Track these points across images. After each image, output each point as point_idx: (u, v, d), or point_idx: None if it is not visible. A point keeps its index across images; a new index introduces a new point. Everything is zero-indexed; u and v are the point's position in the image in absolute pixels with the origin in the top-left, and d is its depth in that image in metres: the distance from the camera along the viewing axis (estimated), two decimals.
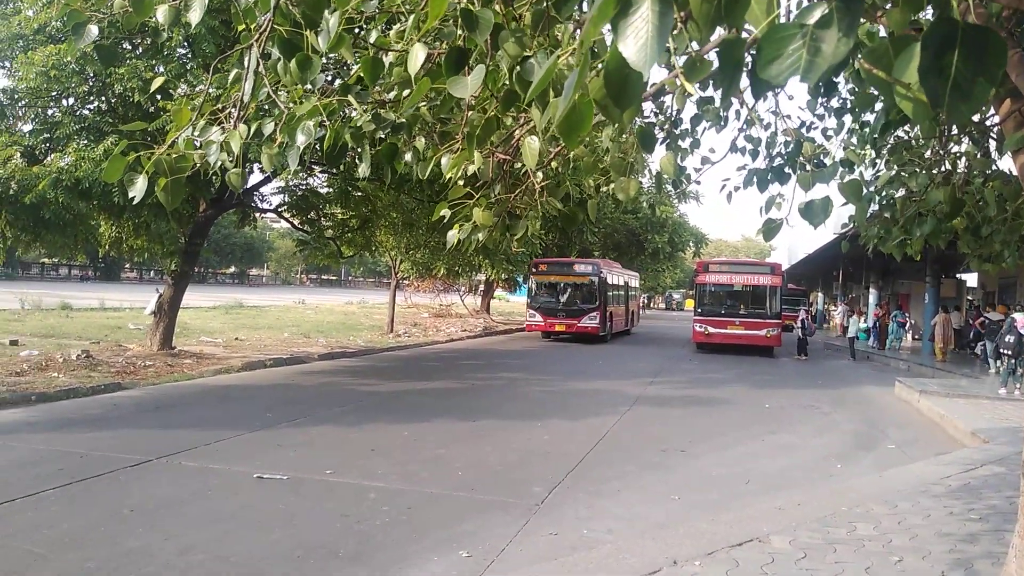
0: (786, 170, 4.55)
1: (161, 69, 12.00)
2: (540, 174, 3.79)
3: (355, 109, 3.25)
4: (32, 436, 8.17)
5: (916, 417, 12.70)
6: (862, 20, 3.96)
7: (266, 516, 5.89)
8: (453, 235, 3.88)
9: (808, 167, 3.98)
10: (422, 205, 16.53)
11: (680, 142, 5.29)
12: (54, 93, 12.36)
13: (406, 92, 3.54)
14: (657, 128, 5.24)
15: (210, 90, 3.57)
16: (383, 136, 3.53)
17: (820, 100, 5.63)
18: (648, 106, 5.60)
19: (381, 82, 3.57)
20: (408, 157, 3.36)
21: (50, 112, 12.89)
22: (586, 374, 16.94)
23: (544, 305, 26.88)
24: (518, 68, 2.46)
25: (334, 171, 15.56)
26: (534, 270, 27.26)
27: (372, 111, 3.39)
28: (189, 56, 12.58)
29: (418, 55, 2.41)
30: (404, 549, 5.26)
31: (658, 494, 7.03)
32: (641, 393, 13.91)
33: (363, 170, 3.29)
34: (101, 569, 4.68)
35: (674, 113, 5.22)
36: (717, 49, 1.37)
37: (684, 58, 1.70)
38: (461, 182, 3.58)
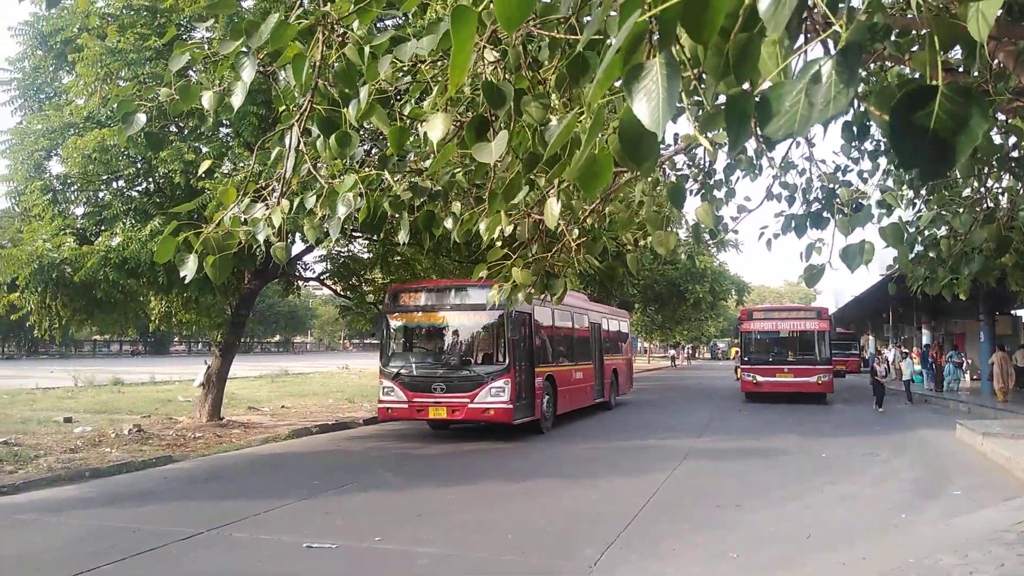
0: (824, 215, 4.52)
1: (204, 150, 12.47)
2: (576, 231, 3.83)
3: (392, 180, 3.34)
4: (86, 512, 8.28)
5: (981, 461, 12.18)
6: (889, 64, 3.98)
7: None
8: (491, 295, 3.92)
9: (846, 211, 3.95)
10: (461, 267, 16.73)
11: (715, 192, 5.31)
12: (104, 176, 12.90)
13: (436, 158, 3.65)
14: (691, 179, 5.27)
15: (254, 168, 3.70)
16: (421, 203, 3.62)
17: (853, 143, 5.61)
18: (681, 158, 5.65)
19: (417, 151, 3.68)
20: (448, 223, 3.43)
21: (100, 195, 13.45)
22: (629, 430, 16.67)
23: (409, 370, 14.45)
24: (541, 129, 2.53)
25: (374, 238, 15.87)
26: (391, 304, 14.89)
27: (409, 180, 3.48)
28: (231, 136, 13.07)
29: (438, 124, 2.48)
30: None
31: (715, 553, 6.81)
32: (691, 447, 13.61)
33: (402, 237, 3.37)
34: None
35: (707, 164, 5.25)
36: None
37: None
38: (499, 243, 3.64)
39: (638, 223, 3.85)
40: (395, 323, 15.06)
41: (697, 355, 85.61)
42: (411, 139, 3.35)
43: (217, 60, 2.91)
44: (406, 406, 14.07)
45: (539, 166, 2.56)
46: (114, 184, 13.48)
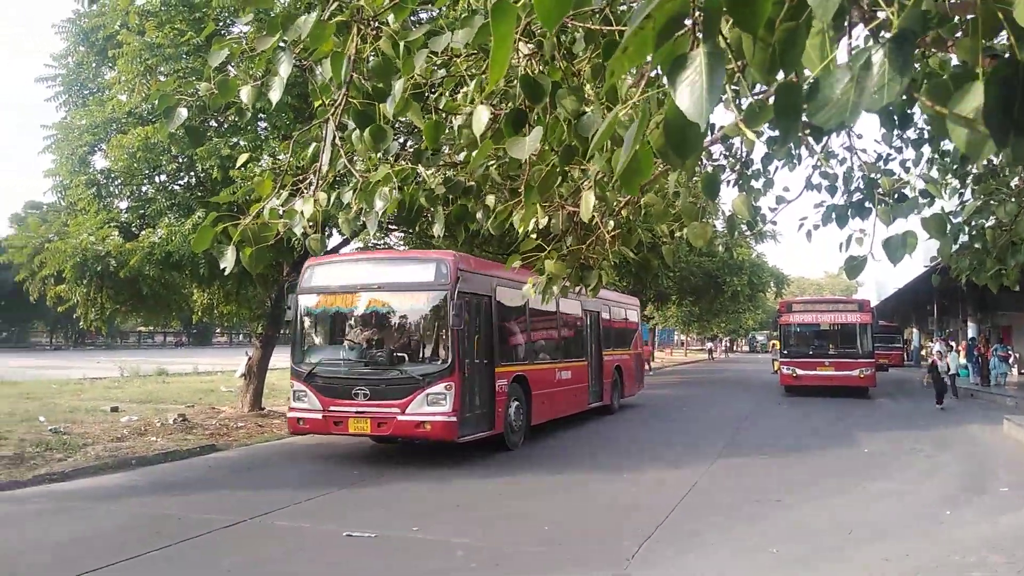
0: (866, 204, 4.43)
1: (240, 143, 12.66)
2: (611, 223, 3.81)
3: (426, 173, 3.35)
4: (132, 500, 8.49)
5: None
6: (933, 51, 3.87)
7: (356, 575, 5.92)
8: (527, 288, 3.92)
9: (888, 201, 3.86)
10: (495, 259, 16.75)
11: (753, 182, 5.23)
12: (147, 171, 13.18)
13: (475, 152, 3.65)
14: (728, 169, 5.19)
15: (290, 161, 3.75)
16: (455, 196, 3.62)
17: (896, 132, 5.48)
18: (717, 148, 5.57)
19: (451, 143, 3.68)
20: (480, 215, 3.44)
21: (143, 189, 13.74)
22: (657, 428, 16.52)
23: (324, 369, 11.09)
24: (575, 122, 2.51)
25: (409, 231, 15.97)
26: (306, 281, 11.53)
27: (443, 174, 3.49)
28: (267, 130, 13.24)
29: (481, 117, 2.48)
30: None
31: (754, 547, 6.75)
32: (729, 440, 13.48)
33: (437, 230, 3.38)
34: None
35: (744, 154, 5.17)
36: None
37: (747, 101, 1.70)
38: (533, 235, 3.63)
39: (674, 214, 3.81)
40: (309, 306, 11.29)
41: (735, 348, 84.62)
42: (445, 132, 3.35)
43: (255, 55, 2.94)
44: (320, 416, 10.37)
45: (575, 159, 2.55)
46: (157, 179, 13.77)
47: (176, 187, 14.02)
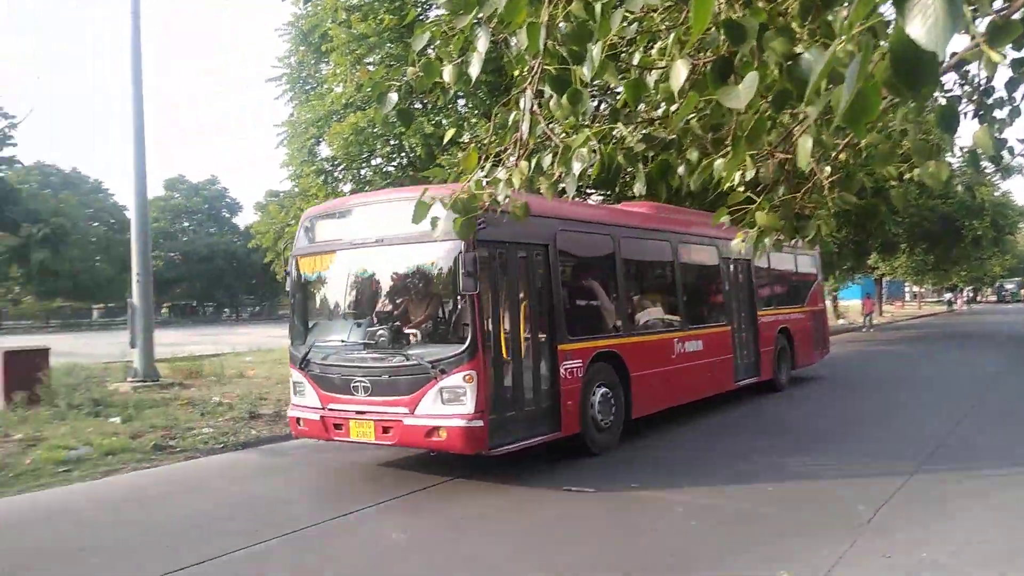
0: None
1: (443, 123, 13.27)
2: (828, 169, 3.53)
3: (626, 132, 3.31)
4: (379, 451, 9.27)
5: None
6: None
7: (578, 528, 6.09)
8: (736, 243, 3.76)
9: None
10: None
11: (996, 112, 4.60)
12: (363, 155, 14.25)
13: (673, 107, 3.54)
14: (964, 100, 4.61)
15: (492, 134, 3.86)
16: (655, 153, 3.54)
17: None
18: (950, 77, 4.96)
19: (647, 99, 3.60)
20: (682, 170, 3.34)
21: (362, 172, 14.89)
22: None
23: (319, 353, 8.20)
24: (788, 64, 2.34)
25: (608, 192, 15.91)
26: (303, 238, 8.70)
27: (642, 131, 3.43)
28: (467, 107, 13.76)
29: (680, 71, 2.39)
30: (719, 567, 5.12)
31: (1015, 514, 6.07)
32: (984, 392, 12.10)
33: (638, 189, 3.33)
34: (439, 569, 5.20)
35: (983, 82, 4.55)
36: None
37: (986, 21, 1.49)
38: (740, 188, 3.47)
39: (901, 154, 3.46)
40: (307, 271, 8.58)
41: (979, 299, 75.85)
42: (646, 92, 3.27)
43: (453, 35, 3.05)
44: (317, 417, 7.93)
45: (791, 103, 2.38)
46: (372, 162, 14.85)
47: (390, 168, 15.03)
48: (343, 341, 8.12)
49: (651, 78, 3.11)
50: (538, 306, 8.01)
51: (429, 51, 3.32)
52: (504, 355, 7.45)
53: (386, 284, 8.25)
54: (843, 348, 22.49)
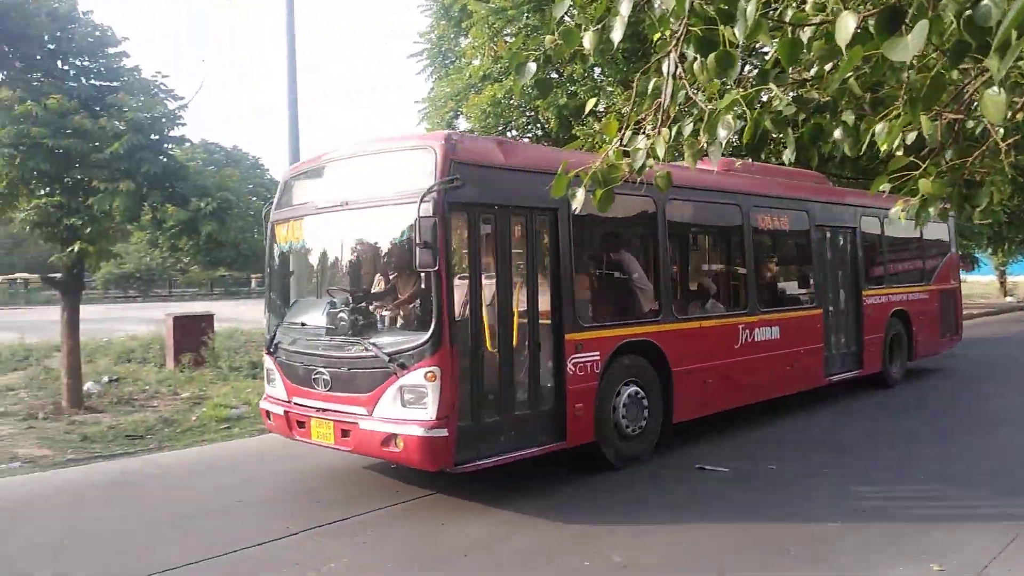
0: None
1: (579, 93, 13.15)
2: (1000, 130, 3.21)
3: (775, 95, 3.14)
4: None
5: None
6: None
7: (711, 506, 5.97)
8: (896, 212, 3.51)
9: None
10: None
11: None
12: (499, 127, 14.40)
13: (828, 67, 3.32)
14: None
15: (633, 101, 3.78)
16: (805, 117, 3.35)
17: None
18: None
19: (800, 59, 3.40)
20: (837, 134, 3.13)
21: None
22: None
23: (284, 342, 6.89)
24: (968, 13, 2.12)
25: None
26: (280, 200, 7.26)
27: (792, 93, 3.25)
28: (603, 76, 13.57)
29: (847, 23, 2.22)
30: (864, 555, 4.88)
31: None
32: None
33: (788, 155, 3.16)
34: (543, 552, 5.25)
35: None
36: None
37: None
38: (900, 152, 3.22)
39: None
40: (279, 238, 7.24)
41: None
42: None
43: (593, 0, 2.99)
44: (282, 412, 6.73)
45: (971, 56, 2.17)
46: (508, 134, 14.97)
47: (526, 139, 15.11)
48: (303, 324, 6.88)
49: (805, 34, 2.92)
50: (539, 285, 6.42)
51: (567, 19, 3.29)
52: (489, 346, 5.96)
53: (351, 257, 7.07)
54: (1003, 328, 20.58)
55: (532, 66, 3.35)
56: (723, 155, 3.50)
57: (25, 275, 43.87)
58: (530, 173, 6.21)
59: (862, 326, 10.48)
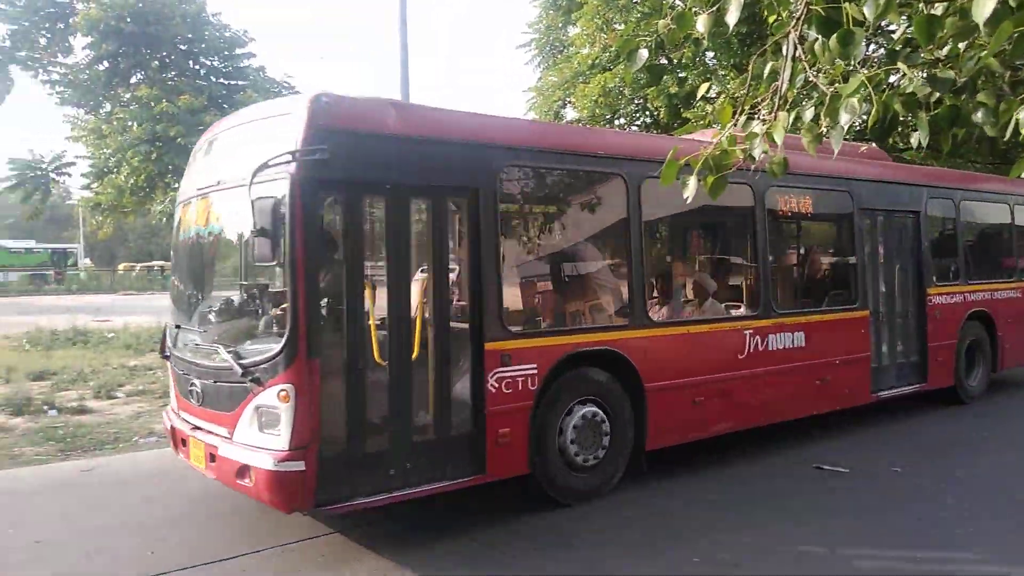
0: None
1: (689, 79, 12.83)
2: None
3: (905, 76, 2.96)
4: None
5: None
6: None
7: (829, 506, 5.73)
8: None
9: None
10: (986, 169, 14.29)
11: None
12: (607, 116, 14.29)
13: (962, 45, 3.10)
14: None
15: (749, 85, 3.66)
16: (937, 99, 3.14)
17: None
18: None
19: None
20: (979, 115, 2.91)
21: None
22: None
23: (179, 347, 5.69)
24: None
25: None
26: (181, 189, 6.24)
27: (924, 73, 3.05)
28: (715, 61, 13.21)
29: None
30: (990, 568, 4.58)
31: None
32: None
33: (919, 139, 2.97)
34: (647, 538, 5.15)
35: None
36: None
37: None
38: None
39: None
40: (176, 224, 6.25)
41: None
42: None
43: None
44: (170, 426, 5.72)
45: None
46: (616, 123, 14.83)
47: (635, 127, 14.93)
48: (180, 325, 5.85)
49: (938, 9, 2.74)
50: (452, 284, 5.38)
51: (679, 2, 3.21)
52: (377, 359, 4.78)
53: (222, 246, 6.00)
54: None
55: (644, 52, 3.30)
56: (846, 140, 3.32)
57: (161, 263, 47.04)
58: (441, 144, 5.10)
59: (924, 330, 8.55)
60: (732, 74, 12.02)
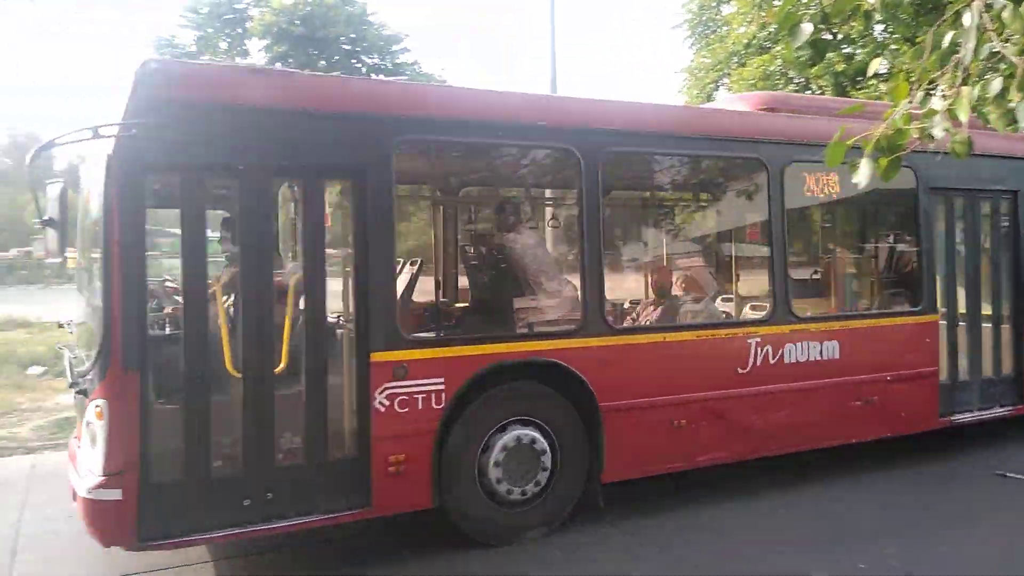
0: None
1: (856, 55, 12.09)
2: None
3: None
4: None
5: None
6: None
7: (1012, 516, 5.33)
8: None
9: None
10: None
11: None
12: None
13: None
14: None
15: (926, 58, 3.43)
16: None
17: None
18: None
19: None
20: None
21: None
22: None
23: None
24: None
25: None
26: None
27: None
28: (886, 33, 12.36)
29: None
30: None
31: None
32: None
33: None
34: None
35: None
36: None
37: None
38: None
39: None
40: None
41: None
42: None
43: None
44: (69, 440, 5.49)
45: None
46: None
47: None
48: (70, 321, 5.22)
49: None
50: (333, 282, 4.46)
51: None
52: (229, 369, 4.16)
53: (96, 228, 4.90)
54: None
55: (808, 26, 3.15)
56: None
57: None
58: (318, 117, 4.26)
59: (1022, 338, 6.84)
60: (905, 48, 11.20)
